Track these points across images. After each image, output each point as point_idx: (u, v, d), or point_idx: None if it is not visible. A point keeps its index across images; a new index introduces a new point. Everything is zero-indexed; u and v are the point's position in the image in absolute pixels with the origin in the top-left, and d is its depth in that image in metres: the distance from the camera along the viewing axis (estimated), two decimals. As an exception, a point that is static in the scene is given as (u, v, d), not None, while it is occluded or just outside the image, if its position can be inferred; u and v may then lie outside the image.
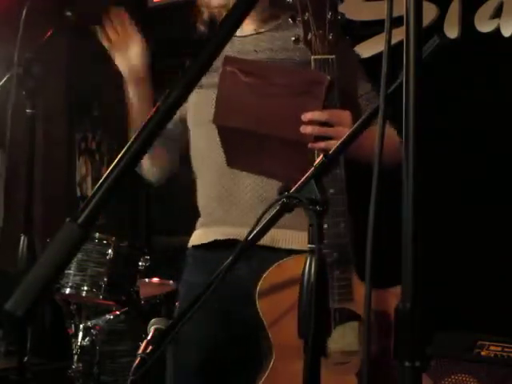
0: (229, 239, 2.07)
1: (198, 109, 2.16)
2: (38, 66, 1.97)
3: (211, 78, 2.11)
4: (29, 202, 2.03)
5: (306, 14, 1.77)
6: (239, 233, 2.01)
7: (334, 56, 1.78)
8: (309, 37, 1.78)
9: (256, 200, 2.05)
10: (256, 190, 2.06)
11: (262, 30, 2.18)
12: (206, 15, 2.21)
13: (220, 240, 2.10)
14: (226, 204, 2.10)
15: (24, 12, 1.87)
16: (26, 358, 1.98)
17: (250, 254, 2.02)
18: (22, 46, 1.88)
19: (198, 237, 2.21)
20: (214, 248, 2.12)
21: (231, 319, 2.09)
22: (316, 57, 1.78)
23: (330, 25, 1.78)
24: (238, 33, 2.19)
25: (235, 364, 2.12)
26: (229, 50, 2.15)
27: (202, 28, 2.24)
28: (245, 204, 2.07)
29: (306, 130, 1.72)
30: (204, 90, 2.10)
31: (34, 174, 2.04)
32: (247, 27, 2.20)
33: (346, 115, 1.79)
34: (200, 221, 2.23)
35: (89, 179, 5.14)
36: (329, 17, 1.78)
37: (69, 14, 1.93)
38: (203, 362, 2.11)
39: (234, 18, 0.95)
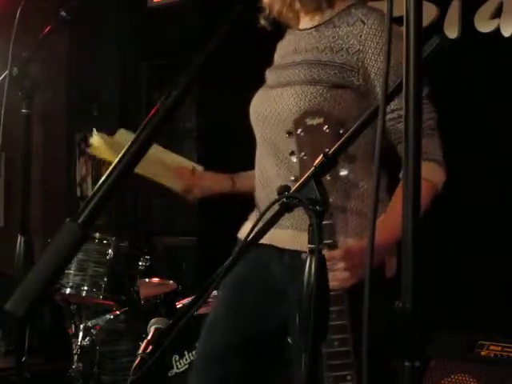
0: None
1: (256, 105, 2.11)
2: (35, 66, 1.97)
3: (275, 76, 2.09)
4: (26, 202, 2.03)
5: (303, 153, 1.62)
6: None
7: (333, 199, 1.62)
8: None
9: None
10: None
11: (316, 23, 2.04)
12: (270, 12, 2.08)
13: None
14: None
15: (18, 11, 1.86)
16: (23, 358, 1.98)
17: (280, 254, 2.02)
18: (18, 46, 1.88)
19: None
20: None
21: (266, 315, 2.09)
22: None
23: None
24: (301, 25, 2.08)
25: (265, 357, 2.13)
26: (289, 43, 2.10)
27: (263, 22, 2.10)
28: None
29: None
30: (265, 88, 2.10)
31: (30, 174, 2.03)
32: (304, 19, 2.07)
33: (338, 256, 1.72)
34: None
35: (89, 179, 5.14)
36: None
37: (64, 13, 1.92)
38: (236, 355, 2.11)
39: (231, 22, 0.96)
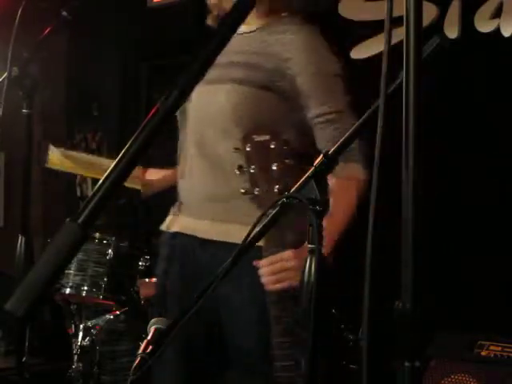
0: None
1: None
2: (34, 66, 1.97)
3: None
4: (26, 202, 2.03)
5: (252, 167, 1.73)
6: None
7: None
8: (255, 191, 1.75)
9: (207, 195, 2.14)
10: (207, 186, 2.13)
11: (250, 29, 2.16)
12: (215, 12, 2.21)
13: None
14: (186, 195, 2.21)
15: (19, 12, 1.86)
16: (24, 358, 1.98)
17: (204, 244, 2.12)
18: (19, 46, 1.88)
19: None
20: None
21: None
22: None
23: (276, 176, 1.73)
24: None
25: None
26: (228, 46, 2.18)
27: (210, 23, 2.23)
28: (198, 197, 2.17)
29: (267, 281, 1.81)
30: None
31: (31, 173, 2.03)
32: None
33: (288, 257, 1.81)
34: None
35: (89, 179, 5.13)
36: (274, 168, 1.73)
37: (65, 13, 1.93)
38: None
39: (235, 19, 0.96)
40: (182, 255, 2.18)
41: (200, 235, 2.12)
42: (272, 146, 1.71)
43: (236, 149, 1.77)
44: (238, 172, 1.75)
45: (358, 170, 1.99)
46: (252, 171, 1.72)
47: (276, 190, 1.67)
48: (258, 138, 1.72)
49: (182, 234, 2.18)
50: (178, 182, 2.24)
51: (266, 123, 2.05)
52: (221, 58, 2.23)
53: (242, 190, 1.77)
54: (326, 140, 2.02)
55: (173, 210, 2.26)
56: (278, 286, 1.77)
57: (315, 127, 2.04)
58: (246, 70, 2.06)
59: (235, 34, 2.20)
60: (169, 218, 2.26)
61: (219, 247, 2.05)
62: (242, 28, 2.16)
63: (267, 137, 1.72)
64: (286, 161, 1.70)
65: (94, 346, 3.37)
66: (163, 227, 2.26)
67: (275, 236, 1.74)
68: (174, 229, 2.21)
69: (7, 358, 3.84)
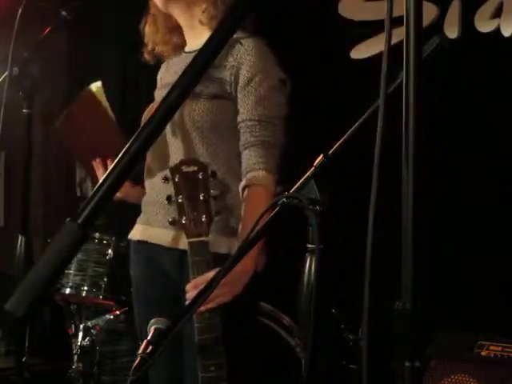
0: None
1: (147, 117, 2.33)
2: (35, 66, 1.98)
3: (163, 94, 2.29)
4: (26, 202, 2.03)
5: (180, 196, 1.82)
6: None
7: (208, 238, 1.85)
8: (183, 220, 1.84)
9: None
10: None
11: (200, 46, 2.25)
12: (150, 46, 2.42)
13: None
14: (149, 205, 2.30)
15: (19, 12, 1.87)
16: (24, 358, 1.98)
17: (169, 252, 2.18)
18: (19, 46, 1.88)
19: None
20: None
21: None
22: (190, 240, 1.85)
23: (203, 206, 1.83)
24: (186, 48, 2.33)
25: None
26: (176, 64, 2.33)
27: (146, 57, 2.42)
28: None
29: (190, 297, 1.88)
30: (154, 105, 2.32)
31: (31, 174, 2.03)
32: (192, 42, 2.30)
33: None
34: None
35: (89, 179, 5.13)
36: (201, 198, 1.82)
37: (64, 13, 1.93)
38: None
39: (231, 25, 0.96)
40: (147, 262, 2.26)
41: (165, 244, 2.18)
42: (200, 177, 1.82)
43: (165, 179, 1.88)
44: (167, 202, 1.87)
45: (268, 178, 2.05)
46: (180, 201, 1.83)
47: (203, 220, 1.81)
48: (185, 169, 1.83)
49: (147, 242, 2.26)
50: (146, 193, 2.32)
51: (225, 130, 2.13)
52: (172, 79, 2.37)
53: (170, 220, 1.88)
54: (241, 145, 2.10)
55: (138, 220, 2.36)
56: (206, 305, 1.82)
57: (239, 132, 2.12)
58: (198, 84, 2.14)
59: (184, 54, 2.34)
60: (135, 228, 2.36)
61: (184, 255, 2.11)
62: (191, 47, 2.29)
63: (195, 168, 1.83)
64: (213, 191, 1.83)
65: (94, 346, 3.36)
66: (130, 236, 2.36)
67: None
68: (140, 237, 2.30)
69: (7, 357, 3.83)
